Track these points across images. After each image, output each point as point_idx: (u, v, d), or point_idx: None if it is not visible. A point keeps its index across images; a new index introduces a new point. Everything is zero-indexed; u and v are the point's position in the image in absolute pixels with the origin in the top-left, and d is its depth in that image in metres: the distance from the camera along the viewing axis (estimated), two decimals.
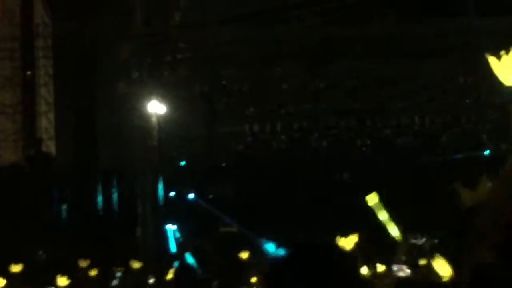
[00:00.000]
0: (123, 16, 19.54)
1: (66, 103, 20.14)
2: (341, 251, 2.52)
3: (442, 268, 8.37)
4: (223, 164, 22.77)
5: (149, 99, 19.87)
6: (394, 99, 21.52)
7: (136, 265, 16.82)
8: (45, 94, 20.42)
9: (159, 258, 19.09)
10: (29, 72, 19.78)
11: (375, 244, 16.54)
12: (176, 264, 17.94)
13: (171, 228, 21.13)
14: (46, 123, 20.44)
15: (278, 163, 22.17)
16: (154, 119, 20.02)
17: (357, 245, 9.42)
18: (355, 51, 19.68)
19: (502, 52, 3.28)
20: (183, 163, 22.10)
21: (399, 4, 19.67)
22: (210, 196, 22.78)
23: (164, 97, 20.10)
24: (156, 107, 19.95)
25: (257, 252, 20.43)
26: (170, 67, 20.15)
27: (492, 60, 3.27)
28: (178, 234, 21.24)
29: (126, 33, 19.76)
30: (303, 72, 20.33)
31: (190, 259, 18.30)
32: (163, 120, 20.23)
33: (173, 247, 20.78)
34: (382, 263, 15.10)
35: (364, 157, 22.80)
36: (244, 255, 18.16)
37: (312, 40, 19.41)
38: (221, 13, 19.64)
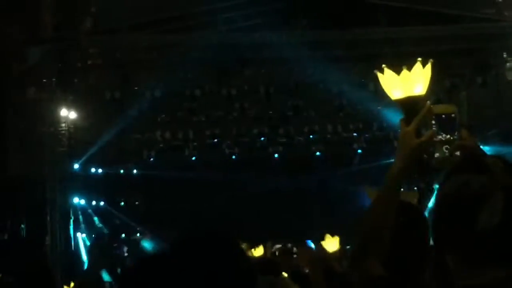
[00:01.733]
0: (33, 20, 19.35)
1: None
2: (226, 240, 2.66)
3: (331, 244, 8.77)
4: (134, 171, 22.66)
5: (60, 105, 19.82)
6: (306, 106, 21.67)
7: None
8: None
9: (69, 266, 19.03)
10: None
11: None
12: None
13: (81, 235, 20.97)
14: None
15: (190, 170, 22.15)
16: (64, 125, 20.00)
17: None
18: (266, 57, 19.80)
19: (384, 66, 3.24)
20: (93, 169, 21.92)
21: (310, 12, 19.85)
22: (121, 204, 22.79)
23: (75, 103, 20.12)
24: (66, 113, 19.93)
25: None
26: (81, 73, 20.02)
27: (379, 75, 3.25)
28: (88, 242, 21.07)
29: (35, 38, 19.51)
30: (215, 78, 20.45)
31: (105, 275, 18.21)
32: (74, 126, 20.26)
33: (83, 255, 20.58)
34: None
35: (276, 165, 22.99)
36: None
37: (223, 46, 19.43)
38: (132, 19, 19.62)
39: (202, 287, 2.53)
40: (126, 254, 21.75)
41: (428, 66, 3.22)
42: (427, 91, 3.20)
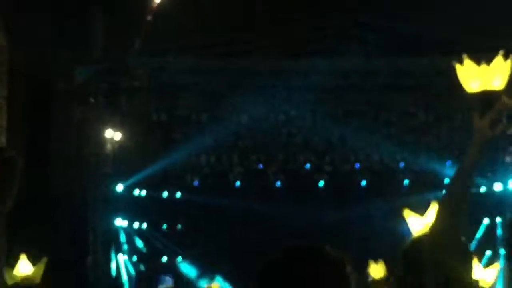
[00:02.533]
0: (81, 41, 19.71)
1: (20, 127, 19.97)
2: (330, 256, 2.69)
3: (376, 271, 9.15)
4: (178, 195, 22.85)
5: (106, 126, 20.13)
6: (353, 134, 21.75)
7: None
8: None
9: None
10: None
11: None
12: None
13: (122, 257, 21.27)
14: None
15: (233, 196, 22.37)
16: (109, 146, 20.28)
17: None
18: (314, 84, 19.99)
19: (465, 55, 3.43)
20: (137, 192, 22.14)
21: (362, 41, 20.16)
22: (164, 227, 23.00)
23: (120, 124, 20.42)
24: (112, 134, 20.20)
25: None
26: (127, 94, 20.40)
27: (457, 66, 3.45)
28: (129, 264, 21.41)
29: (83, 58, 19.91)
30: (262, 104, 20.70)
31: None
32: (119, 148, 20.52)
33: (124, 276, 20.97)
34: None
35: (321, 192, 23.11)
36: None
37: (270, 71, 19.97)
38: (181, 42, 19.96)
39: None
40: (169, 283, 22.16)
41: (509, 61, 3.36)
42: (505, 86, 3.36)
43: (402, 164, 22.78)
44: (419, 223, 4.16)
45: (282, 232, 21.13)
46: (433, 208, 4.02)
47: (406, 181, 23.04)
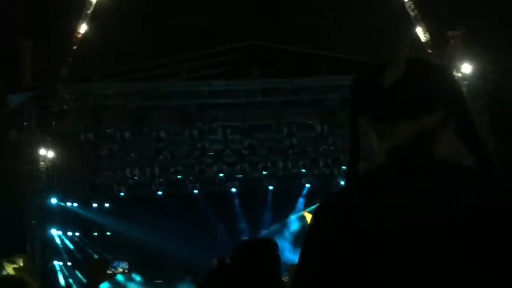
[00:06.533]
0: (13, 70, 20.74)
1: None
2: None
3: None
4: (106, 205, 24.19)
5: (39, 146, 21.27)
6: (260, 145, 23.19)
7: None
8: None
9: None
10: None
11: None
12: None
13: (58, 263, 22.12)
14: None
15: (156, 204, 23.80)
16: (43, 164, 21.40)
17: None
18: (223, 102, 21.33)
19: None
20: (69, 203, 23.22)
21: (264, 62, 21.64)
22: (94, 234, 24.23)
23: (52, 144, 21.52)
24: (45, 153, 21.40)
25: None
26: (57, 117, 21.32)
27: None
28: (65, 269, 22.25)
29: (16, 86, 20.93)
30: (178, 121, 21.77)
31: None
32: (52, 165, 21.60)
33: (61, 280, 21.75)
34: None
35: (233, 198, 24.80)
36: None
37: (185, 93, 21.05)
38: (104, 69, 21.33)
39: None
40: None
41: None
42: None
43: (303, 170, 24.34)
44: None
45: (200, 233, 22.99)
46: None
47: (307, 185, 24.80)
